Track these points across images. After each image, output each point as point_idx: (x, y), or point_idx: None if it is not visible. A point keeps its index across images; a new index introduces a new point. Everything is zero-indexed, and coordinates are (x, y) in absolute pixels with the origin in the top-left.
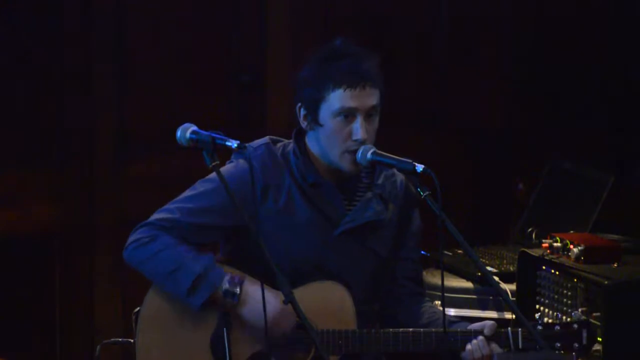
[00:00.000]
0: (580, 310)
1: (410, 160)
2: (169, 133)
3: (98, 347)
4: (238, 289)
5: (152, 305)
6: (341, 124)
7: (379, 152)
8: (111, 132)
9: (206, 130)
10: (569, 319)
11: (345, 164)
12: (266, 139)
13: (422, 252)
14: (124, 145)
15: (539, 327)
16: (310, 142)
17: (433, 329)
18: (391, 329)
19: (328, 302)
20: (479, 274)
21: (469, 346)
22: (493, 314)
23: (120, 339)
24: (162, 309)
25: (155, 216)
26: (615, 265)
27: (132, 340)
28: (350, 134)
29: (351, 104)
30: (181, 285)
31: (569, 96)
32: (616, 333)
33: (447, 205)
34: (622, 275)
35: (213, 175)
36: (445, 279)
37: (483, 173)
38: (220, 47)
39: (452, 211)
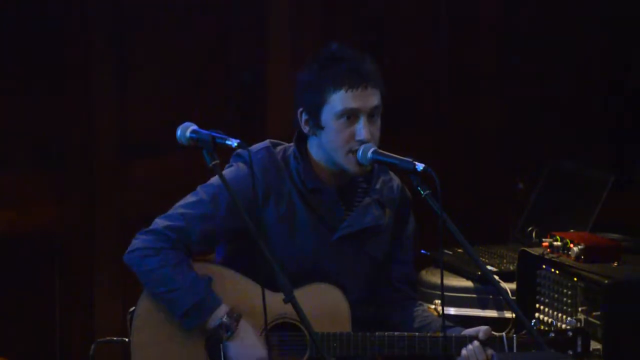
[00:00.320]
0: (580, 309)
1: (411, 160)
2: (169, 132)
3: (93, 346)
4: (234, 326)
5: (147, 304)
6: (344, 125)
7: (380, 151)
8: (111, 132)
9: (206, 129)
10: (564, 326)
11: (350, 166)
12: (266, 142)
13: (423, 251)
14: (124, 145)
15: None
16: (312, 147)
17: (428, 333)
18: (386, 333)
19: (323, 305)
20: (479, 273)
21: (464, 351)
22: (493, 313)
23: (115, 338)
24: (157, 307)
25: (161, 223)
26: (615, 264)
27: (127, 339)
28: (353, 135)
29: (353, 104)
30: (177, 308)
31: (569, 96)
32: (616, 332)
33: (447, 204)
34: (622, 274)
35: (213, 180)
36: (445, 278)
37: (483, 173)
38: (220, 47)
39: (452, 210)
